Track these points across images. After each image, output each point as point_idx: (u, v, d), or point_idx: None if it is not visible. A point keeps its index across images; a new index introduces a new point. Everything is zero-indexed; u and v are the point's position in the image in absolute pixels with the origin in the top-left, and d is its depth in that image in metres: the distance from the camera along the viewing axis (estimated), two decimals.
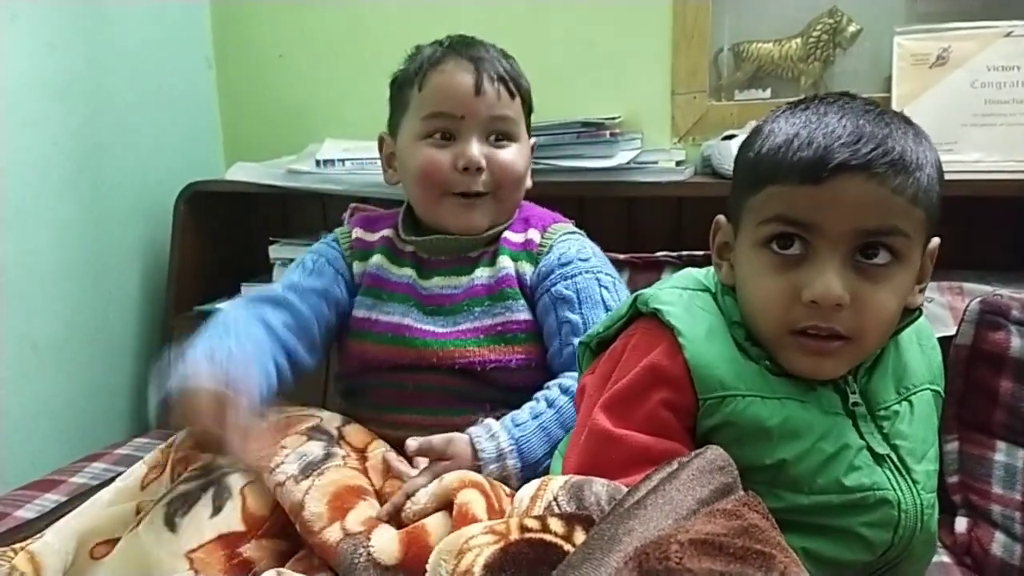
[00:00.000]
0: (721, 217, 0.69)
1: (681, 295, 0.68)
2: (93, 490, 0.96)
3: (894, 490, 0.63)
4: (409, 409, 0.85)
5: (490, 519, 0.63)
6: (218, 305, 1.37)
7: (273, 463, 0.72)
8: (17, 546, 0.72)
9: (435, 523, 0.66)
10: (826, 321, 0.59)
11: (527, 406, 0.80)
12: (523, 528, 0.51)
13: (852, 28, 1.27)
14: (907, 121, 0.62)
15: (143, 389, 1.41)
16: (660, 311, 0.65)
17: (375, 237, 0.94)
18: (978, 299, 0.87)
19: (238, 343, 0.76)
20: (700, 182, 1.20)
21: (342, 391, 0.94)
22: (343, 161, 1.30)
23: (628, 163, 1.20)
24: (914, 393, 0.67)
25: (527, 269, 0.87)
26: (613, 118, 1.25)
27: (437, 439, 0.72)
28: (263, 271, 1.38)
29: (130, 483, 0.81)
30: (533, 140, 0.97)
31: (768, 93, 1.33)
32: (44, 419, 1.23)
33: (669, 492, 0.48)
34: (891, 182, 0.58)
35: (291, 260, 1.33)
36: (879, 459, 0.63)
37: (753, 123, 1.09)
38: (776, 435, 0.61)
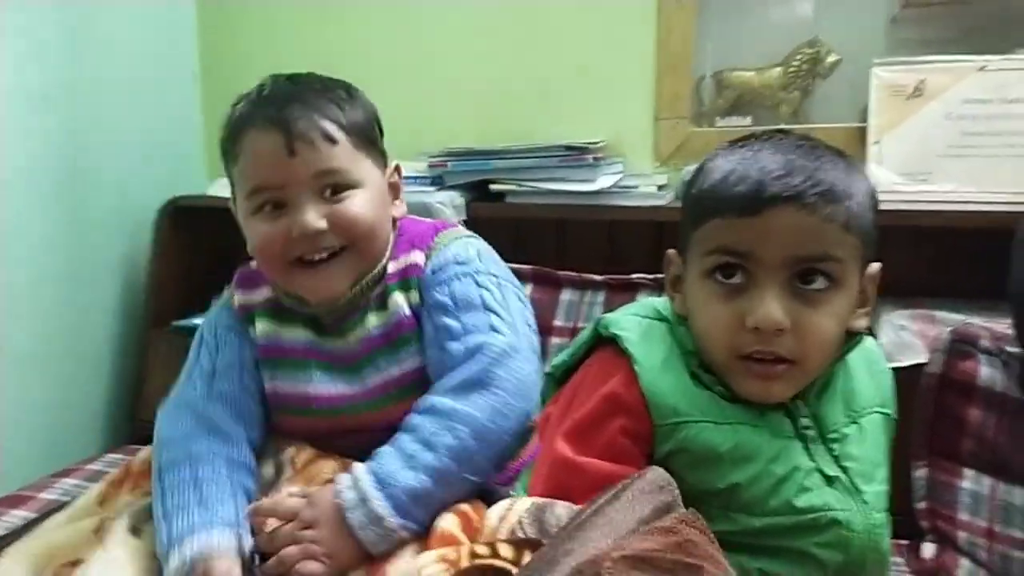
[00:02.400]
0: (672, 251, 0.72)
1: (640, 323, 0.71)
2: (56, 509, 0.95)
3: (845, 511, 0.64)
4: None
5: (467, 535, 0.63)
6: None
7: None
8: None
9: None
10: (769, 346, 0.62)
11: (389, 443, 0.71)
12: (473, 555, 0.52)
13: (831, 58, 1.30)
14: (839, 154, 0.65)
15: (117, 403, 1.39)
16: (619, 337, 0.69)
17: (258, 299, 0.83)
18: (950, 328, 0.89)
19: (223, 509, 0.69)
20: (680, 207, 1.21)
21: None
22: None
23: (610, 187, 1.21)
24: (863, 416, 0.70)
25: (415, 298, 0.78)
26: (596, 142, 1.27)
27: (289, 503, 0.67)
28: None
29: (87, 501, 0.80)
30: (394, 163, 0.84)
31: (749, 121, 1.35)
32: (15, 431, 1.21)
33: (609, 513, 0.50)
34: (822, 211, 0.61)
35: None
36: (830, 481, 0.65)
37: None
38: (728, 459, 0.64)
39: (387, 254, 0.80)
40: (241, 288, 0.84)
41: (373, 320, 0.78)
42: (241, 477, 0.73)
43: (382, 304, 0.78)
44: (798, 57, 1.31)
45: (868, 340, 0.72)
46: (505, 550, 0.52)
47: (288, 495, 0.69)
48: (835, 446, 0.67)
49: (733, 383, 0.65)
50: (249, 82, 1.79)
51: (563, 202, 1.23)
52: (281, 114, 0.74)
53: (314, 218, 0.74)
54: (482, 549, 0.52)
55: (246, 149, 0.76)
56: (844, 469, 0.66)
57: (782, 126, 1.27)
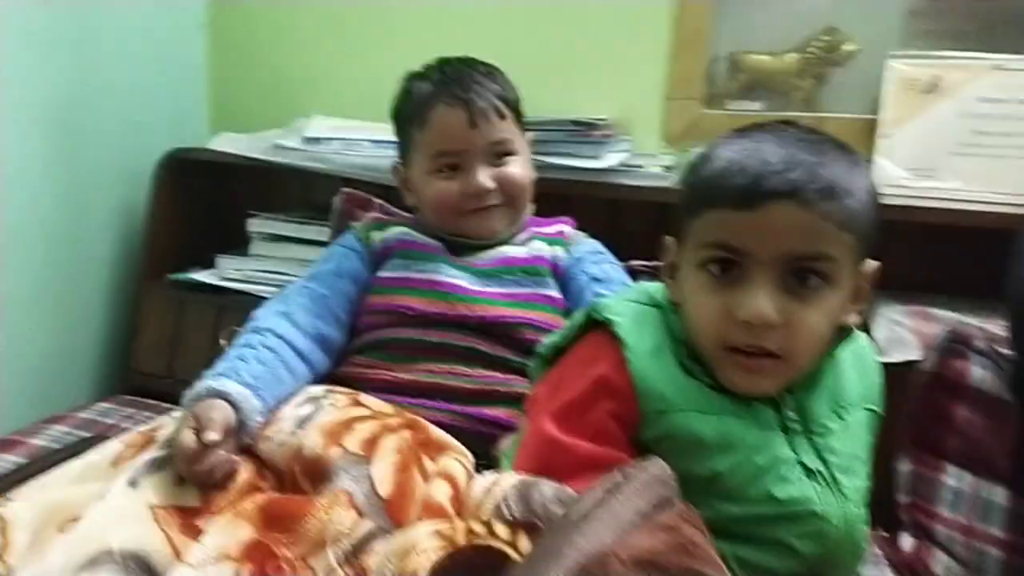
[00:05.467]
0: (669, 238, 0.72)
1: (633, 309, 0.71)
2: (53, 454, 0.96)
3: (824, 504, 0.65)
4: (426, 359, 0.89)
5: (454, 506, 0.64)
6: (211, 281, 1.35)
7: (269, 431, 0.74)
8: None
9: (420, 482, 0.67)
10: (757, 339, 0.62)
11: None
12: (469, 532, 0.52)
13: (848, 47, 1.28)
14: (844, 149, 0.64)
15: (110, 354, 1.40)
16: (612, 322, 0.69)
17: (393, 219, 1.04)
18: (946, 327, 0.89)
19: (248, 368, 0.79)
20: (680, 193, 1.20)
21: (357, 348, 0.95)
22: (331, 140, 1.29)
23: (616, 165, 1.20)
24: (849, 412, 0.70)
25: (560, 254, 0.98)
26: (604, 119, 1.25)
27: None
28: (240, 244, 1.37)
29: (101, 458, 0.80)
30: (529, 135, 1.04)
31: (759, 106, 1.34)
32: (6, 375, 1.21)
33: (613, 506, 0.50)
34: (819, 208, 0.60)
35: (270, 235, 1.34)
36: (810, 473, 0.66)
37: None
38: (712, 448, 0.64)
39: (528, 213, 1.02)
40: (377, 212, 1.08)
41: (514, 250, 0.97)
42: (288, 357, 0.84)
43: (523, 244, 0.98)
44: (815, 44, 1.29)
45: (860, 336, 0.72)
46: (501, 530, 0.52)
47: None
48: (818, 439, 0.67)
49: (720, 373, 0.66)
50: (256, 35, 1.76)
51: (567, 177, 1.21)
52: (466, 94, 0.93)
53: (486, 179, 0.94)
54: (478, 527, 0.53)
55: (433, 120, 0.94)
56: (825, 462, 0.67)
57: (788, 115, 1.25)
